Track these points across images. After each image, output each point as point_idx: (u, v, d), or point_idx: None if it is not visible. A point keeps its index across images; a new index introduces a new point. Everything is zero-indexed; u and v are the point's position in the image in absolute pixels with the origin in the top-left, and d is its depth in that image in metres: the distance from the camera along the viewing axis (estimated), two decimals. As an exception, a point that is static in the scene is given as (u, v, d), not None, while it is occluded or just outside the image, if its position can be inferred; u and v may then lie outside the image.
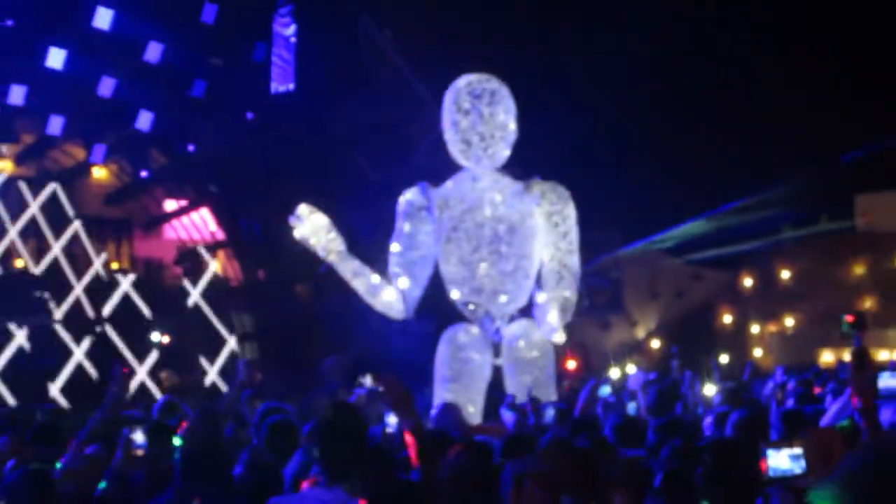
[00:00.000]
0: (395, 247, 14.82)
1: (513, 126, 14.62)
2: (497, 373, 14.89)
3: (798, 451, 4.33)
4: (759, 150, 34.05)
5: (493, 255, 14.37)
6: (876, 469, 3.24)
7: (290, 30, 33.59)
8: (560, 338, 14.30)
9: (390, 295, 14.56)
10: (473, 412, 14.04)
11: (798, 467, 4.32)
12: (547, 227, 14.49)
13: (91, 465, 7.37)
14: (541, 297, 14.67)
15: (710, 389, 14.91)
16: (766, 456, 4.42)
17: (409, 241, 14.69)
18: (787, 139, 34.60)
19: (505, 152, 14.57)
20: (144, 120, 31.75)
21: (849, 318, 7.46)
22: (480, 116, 14.19)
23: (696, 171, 33.22)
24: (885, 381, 7.24)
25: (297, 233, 14.31)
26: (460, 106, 14.31)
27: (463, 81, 14.55)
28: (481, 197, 14.46)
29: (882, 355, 33.32)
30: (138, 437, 7.36)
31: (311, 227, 14.31)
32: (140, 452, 7.37)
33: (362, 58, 32.42)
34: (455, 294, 14.76)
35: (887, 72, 35.54)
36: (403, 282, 14.56)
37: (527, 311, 15.35)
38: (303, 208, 14.28)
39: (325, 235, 14.34)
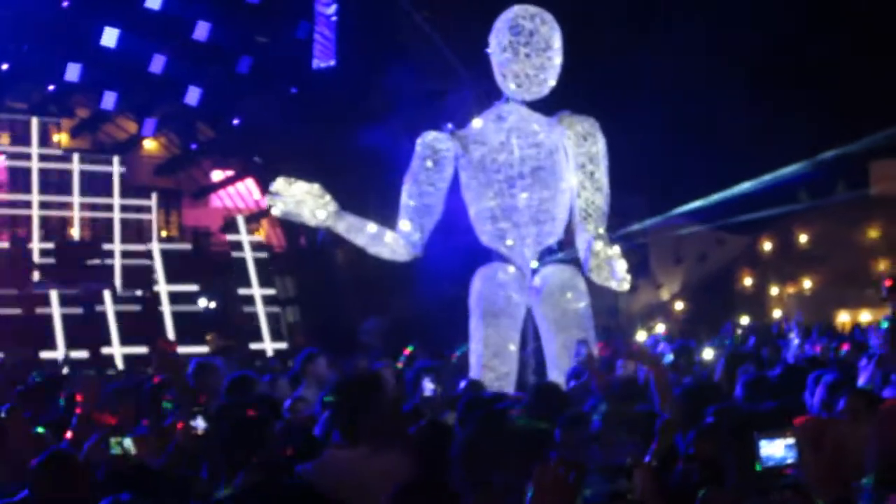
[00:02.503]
0: (406, 187, 13.67)
1: (551, 65, 13.56)
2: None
3: (791, 440, 4.31)
4: (785, 121, 33.98)
5: (528, 188, 13.50)
6: None
7: (332, 9, 34.01)
8: (626, 286, 13.24)
9: (390, 238, 13.55)
10: (514, 350, 13.44)
11: (791, 456, 4.31)
12: (574, 164, 13.62)
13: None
14: (582, 240, 13.61)
15: (708, 353, 15.44)
16: (759, 446, 4.41)
17: (419, 184, 13.60)
18: (811, 109, 34.29)
19: (539, 88, 13.61)
20: (193, 95, 32.92)
21: (888, 283, 7.56)
22: (516, 55, 13.31)
23: (725, 142, 33.22)
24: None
25: (277, 210, 13.25)
26: (500, 40, 13.43)
27: (508, 14, 13.51)
28: (507, 138, 13.55)
29: (896, 315, 33.95)
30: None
31: (294, 199, 13.09)
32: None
33: (399, 34, 33.23)
34: (488, 229, 13.79)
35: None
36: (404, 224, 13.59)
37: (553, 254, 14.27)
38: (279, 183, 13.11)
39: (313, 202, 13.16)
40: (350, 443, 6.15)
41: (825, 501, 3.95)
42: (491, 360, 13.22)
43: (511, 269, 13.69)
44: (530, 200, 13.60)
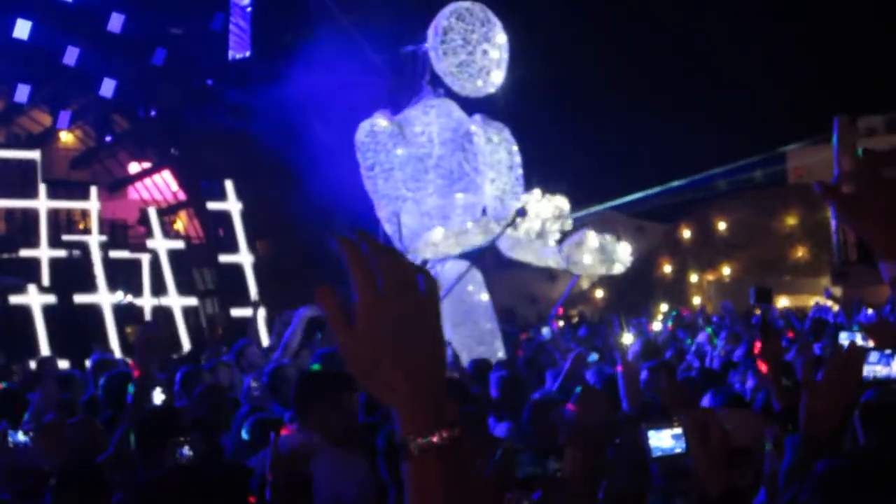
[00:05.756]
0: (384, 176, 13.43)
1: (490, 61, 13.45)
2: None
3: (679, 430, 4.28)
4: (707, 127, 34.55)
5: (464, 189, 13.48)
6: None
7: (247, 0, 34.22)
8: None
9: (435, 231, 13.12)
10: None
11: (679, 446, 4.29)
12: (490, 164, 13.56)
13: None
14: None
15: (627, 338, 15.62)
16: (647, 437, 4.39)
17: (390, 169, 13.36)
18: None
19: (475, 84, 13.49)
20: (108, 87, 32.73)
21: (756, 293, 7.29)
22: (452, 48, 13.28)
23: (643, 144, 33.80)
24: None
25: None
26: (435, 44, 13.33)
27: (442, 22, 13.33)
28: (429, 131, 13.52)
29: (813, 301, 34.43)
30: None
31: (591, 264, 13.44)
32: None
33: (315, 26, 33.25)
34: (412, 225, 13.63)
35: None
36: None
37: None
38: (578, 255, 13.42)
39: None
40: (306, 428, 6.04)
41: (716, 493, 3.83)
42: None
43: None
44: (465, 201, 13.55)
